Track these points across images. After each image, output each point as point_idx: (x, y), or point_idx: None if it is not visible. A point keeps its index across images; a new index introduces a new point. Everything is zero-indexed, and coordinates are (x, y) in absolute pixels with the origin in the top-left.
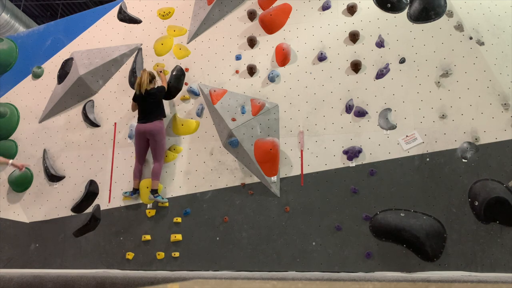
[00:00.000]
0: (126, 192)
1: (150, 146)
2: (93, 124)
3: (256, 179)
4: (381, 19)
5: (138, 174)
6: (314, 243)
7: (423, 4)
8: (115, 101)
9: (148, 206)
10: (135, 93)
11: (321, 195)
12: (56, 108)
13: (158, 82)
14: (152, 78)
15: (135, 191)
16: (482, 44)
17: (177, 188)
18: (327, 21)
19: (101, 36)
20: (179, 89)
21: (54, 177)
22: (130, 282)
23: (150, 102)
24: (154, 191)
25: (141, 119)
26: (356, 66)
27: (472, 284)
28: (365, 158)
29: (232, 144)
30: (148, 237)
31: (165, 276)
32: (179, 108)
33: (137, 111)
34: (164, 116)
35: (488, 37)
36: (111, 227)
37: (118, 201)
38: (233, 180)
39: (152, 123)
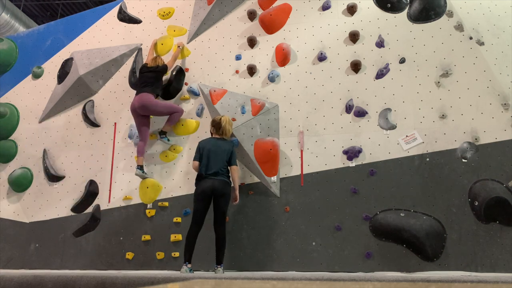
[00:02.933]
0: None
1: (157, 116)
2: (93, 124)
3: (256, 179)
4: (381, 19)
5: (142, 152)
6: (314, 243)
7: (423, 4)
8: (115, 101)
9: (148, 206)
10: (144, 66)
11: (321, 195)
12: (56, 108)
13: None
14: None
15: (141, 167)
16: (482, 44)
17: (177, 188)
18: (327, 21)
19: (101, 36)
20: (179, 89)
21: (54, 177)
22: (130, 282)
23: (147, 76)
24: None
25: (136, 92)
26: (356, 66)
27: (472, 284)
28: (365, 158)
29: None
30: (148, 237)
31: (165, 276)
32: None
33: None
34: (157, 93)
35: (488, 37)
36: (111, 227)
37: (118, 201)
38: None
39: (138, 97)
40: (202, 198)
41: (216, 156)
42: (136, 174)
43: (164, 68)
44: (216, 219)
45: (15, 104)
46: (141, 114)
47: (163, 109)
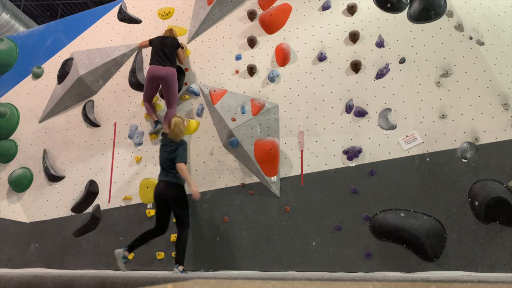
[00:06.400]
0: (152, 130)
1: (163, 92)
2: (93, 124)
3: (256, 179)
4: (381, 19)
5: (152, 109)
6: (314, 243)
7: (423, 4)
8: (115, 101)
9: (148, 206)
10: (156, 37)
11: (321, 195)
12: (56, 108)
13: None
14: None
15: (157, 122)
16: (482, 44)
17: None
18: (327, 21)
19: (101, 36)
20: (179, 89)
21: (54, 177)
22: (130, 282)
23: (168, 48)
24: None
25: (155, 62)
26: (356, 66)
27: (472, 284)
28: (365, 158)
29: (232, 144)
30: None
31: (165, 276)
32: (179, 108)
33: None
34: (176, 68)
35: (488, 37)
36: (111, 227)
37: (118, 201)
38: (233, 180)
39: (165, 68)
40: (156, 203)
41: (163, 158)
42: (153, 131)
43: (178, 45)
44: (176, 221)
45: (15, 104)
46: (157, 84)
47: (175, 90)
